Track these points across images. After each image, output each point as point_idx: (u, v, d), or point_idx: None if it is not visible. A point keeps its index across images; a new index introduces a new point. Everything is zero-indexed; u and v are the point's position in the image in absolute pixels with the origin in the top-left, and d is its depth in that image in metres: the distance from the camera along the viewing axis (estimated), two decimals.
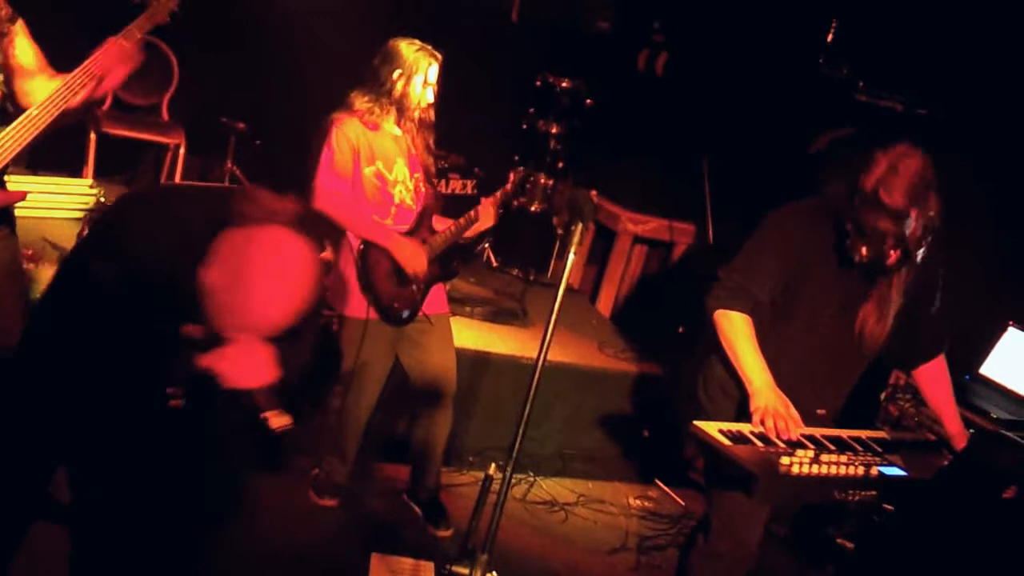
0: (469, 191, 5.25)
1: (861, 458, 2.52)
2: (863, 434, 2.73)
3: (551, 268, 5.85)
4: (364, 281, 3.25)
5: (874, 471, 2.48)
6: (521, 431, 2.26)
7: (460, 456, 4.13)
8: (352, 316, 3.26)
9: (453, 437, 3.72)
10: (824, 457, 2.41)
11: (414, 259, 3.24)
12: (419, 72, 3.20)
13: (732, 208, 5.13)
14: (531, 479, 4.19)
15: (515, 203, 3.55)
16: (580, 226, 2.20)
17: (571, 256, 2.20)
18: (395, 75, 3.19)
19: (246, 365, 1.84)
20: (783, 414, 2.46)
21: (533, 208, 5.28)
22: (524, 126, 5.56)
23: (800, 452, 2.38)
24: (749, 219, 2.93)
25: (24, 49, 2.65)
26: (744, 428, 2.46)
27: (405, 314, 3.31)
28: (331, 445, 3.51)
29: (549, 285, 5.56)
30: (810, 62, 5.32)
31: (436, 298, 3.42)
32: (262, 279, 1.71)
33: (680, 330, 4.77)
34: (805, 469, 2.33)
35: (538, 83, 5.52)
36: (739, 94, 5.34)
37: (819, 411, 2.74)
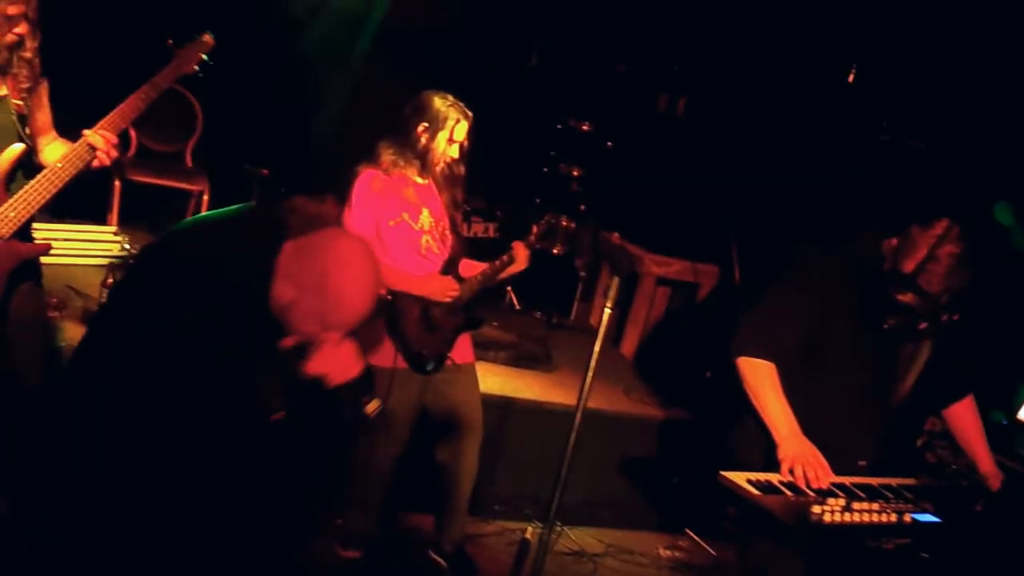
0: (491, 234, 5.26)
1: (893, 505, 2.45)
2: (893, 481, 2.67)
3: (574, 310, 5.82)
4: (392, 328, 3.23)
5: (907, 518, 2.41)
6: (558, 496, 2.21)
7: (486, 505, 4.06)
8: (379, 365, 3.23)
9: (478, 485, 3.65)
10: (856, 505, 2.34)
11: (443, 289, 3.22)
12: (445, 128, 3.18)
13: (756, 247, 5.10)
14: (558, 528, 4.11)
15: (537, 246, 3.55)
16: (617, 280, 2.17)
17: (607, 311, 2.16)
18: (420, 128, 3.19)
19: (342, 360, 2.02)
20: (812, 462, 2.41)
21: (555, 250, 5.26)
22: (545, 169, 5.58)
23: (831, 501, 2.31)
24: (774, 258, 2.90)
25: (45, 109, 2.72)
26: (773, 477, 2.40)
27: (432, 362, 3.28)
28: (355, 495, 3.46)
29: (572, 328, 5.52)
30: (831, 102, 5.31)
31: (462, 346, 3.39)
32: (339, 278, 1.83)
33: (708, 375, 4.70)
34: (837, 517, 2.26)
35: (559, 126, 5.55)
36: (760, 134, 5.33)
37: (860, 463, 2.68)
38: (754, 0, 5.55)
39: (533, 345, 4.97)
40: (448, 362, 3.32)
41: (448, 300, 3.24)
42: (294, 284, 1.83)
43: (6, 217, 2.53)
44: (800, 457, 2.42)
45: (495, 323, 5.09)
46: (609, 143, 5.51)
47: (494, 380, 4.38)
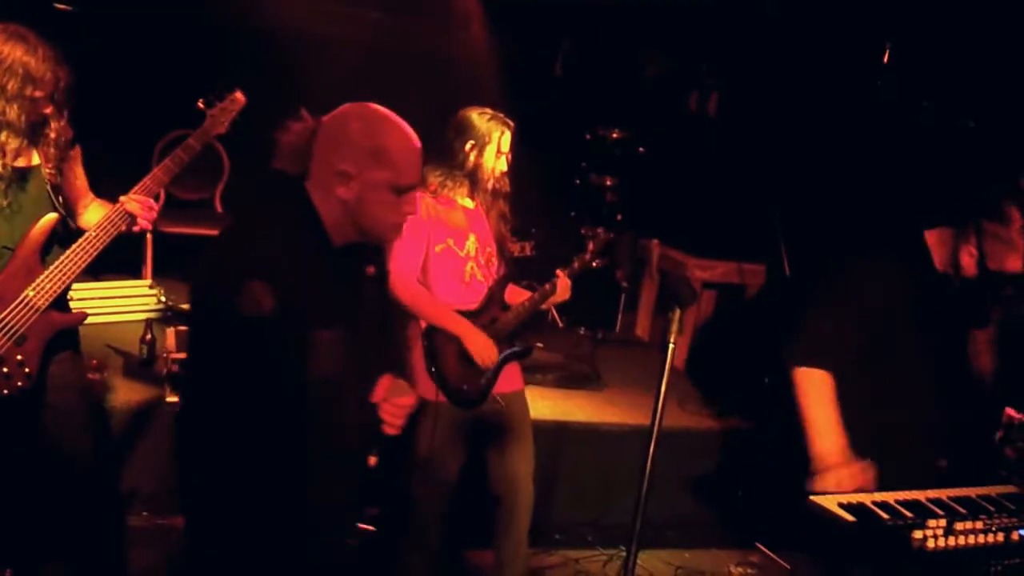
0: (527, 252, 5.12)
1: (997, 521, 2.27)
2: (992, 491, 2.49)
3: (618, 323, 5.68)
4: (431, 362, 3.12)
5: (1015, 535, 2.23)
6: (638, 525, 2.09)
7: (546, 535, 3.94)
8: (422, 397, 3.11)
9: (537, 515, 3.53)
10: (958, 525, 2.17)
11: (485, 351, 3.11)
12: (492, 142, 3.12)
13: (803, 239, 4.93)
14: (622, 553, 3.96)
15: (594, 264, 3.46)
16: (679, 312, 2.04)
17: (671, 346, 2.03)
18: (467, 147, 3.11)
19: None
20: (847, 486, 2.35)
21: (595, 263, 5.13)
22: (578, 181, 5.45)
23: (931, 522, 2.15)
24: (823, 249, 2.82)
25: (78, 174, 2.71)
26: (865, 499, 2.25)
27: (474, 397, 3.16)
28: (411, 537, 3.34)
29: (618, 342, 5.38)
30: (868, 85, 5.14)
31: (510, 375, 3.27)
32: (381, 135, 1.83)
33: (765, 380, 4.53)
34: (941, 542, 2.10)
35: (588, 136, 5.43)
36: (797, 124, 5.17)
37: (941, 463, 2.54)
38: None
39: (580, 364, 4.84)
40: (493, 395, 3.19)
41: (485, 366, 3.11)
42: (351, 166, 1.81)
43: (43, 288, 2.49)
44: (833, 478, 2.39)
45: (539, 344, 4.96)
46: (641, 148, 5.37)
47: (543, 404, 4.26)
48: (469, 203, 3.20)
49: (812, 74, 5.21)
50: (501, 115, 3.17)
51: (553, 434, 4.03)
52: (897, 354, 2.52)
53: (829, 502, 2.21)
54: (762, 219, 5.14)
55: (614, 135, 5.32)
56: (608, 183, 5.31)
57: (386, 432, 1.98)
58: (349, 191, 1.83)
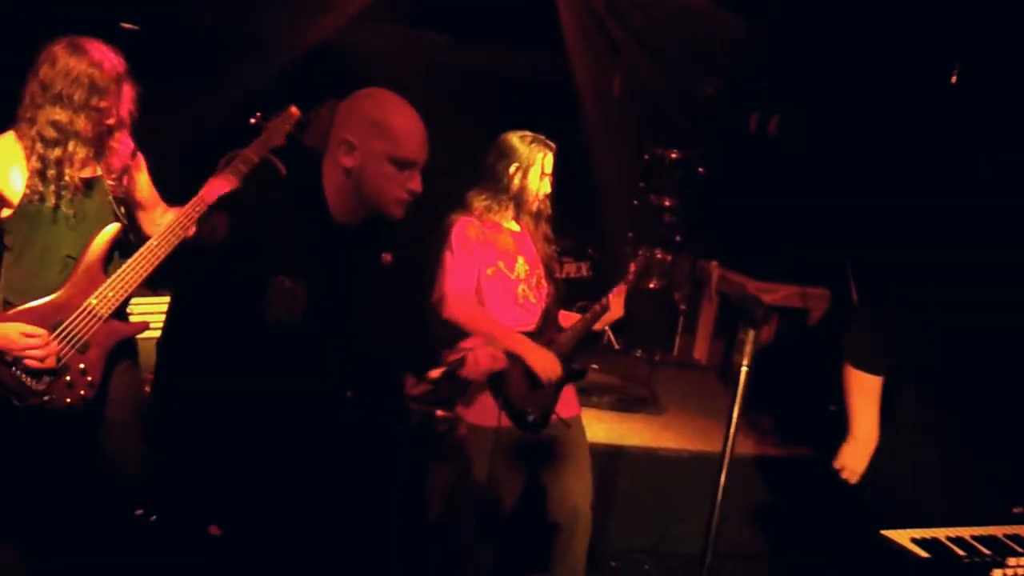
0: (584, 273, 5.08)
1: None
2: None
3: (676, 346, 5.58)
4: (496, 385, 3.07)
5: None
6: (708, 558, 2.02)
7: (601, 562, 3.85)
8: (481, 424, 3.07)
9: (592, 541, 3.44)
10: None
11: (549, 367, 3.05)
12: (535, 164, 3.12)
13: (871, 262, 4.79)
14: None
15: (637, 285, 3.39)
16: (752, 333, 1.97)
17: (744, 369, 1.97)
18: (512, 169, 3.11)
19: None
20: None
21: (652, 285, 5.05)
22: (636, 202, 5.38)
23: (1011, 560, 2.03)
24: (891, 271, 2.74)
25: (143, 184, 2.72)
26: (939, 534, 2.13)
27: (538, 419, 3.11)
28: (462, 560, 3.29)
29: (676, 364, 5.28)
30: (935, 105, 4.99)
31: (567, 399, 3.21)
32: (386, 111, 1.97)
33: (833, 408, 4.39)
34: None
35: (646, 157, 5.36)
36: (859, 146, 5.04)
37: (1015, 509, 2.42)
38: (838, 3, 5.28)
39: (637, 386, 4.75)
40: (554, 417, 3.14)
41: (549, 381, 3.06)
42: (355, 136, 1.94)
43: (105, 297, 2.53)
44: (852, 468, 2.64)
45: (595, 366, 4.88)
46: (701, 169, 5.29)
47: (599, 427, 4.19)
48: (514, 226, 3.20)
49: (876, 94, 5.09)
50: (542, 137, 3.17)
51: (608, 458, 3.95)
52: (968, 394, 2.45)
53: (902, 537, 2.11)
54: (826, 244, 5.02)
55: (673, 155, 5.25)
56: (667, 204, 5.23)
57: (462, 374, 2.28)
58: (352, 159, 1.96)
